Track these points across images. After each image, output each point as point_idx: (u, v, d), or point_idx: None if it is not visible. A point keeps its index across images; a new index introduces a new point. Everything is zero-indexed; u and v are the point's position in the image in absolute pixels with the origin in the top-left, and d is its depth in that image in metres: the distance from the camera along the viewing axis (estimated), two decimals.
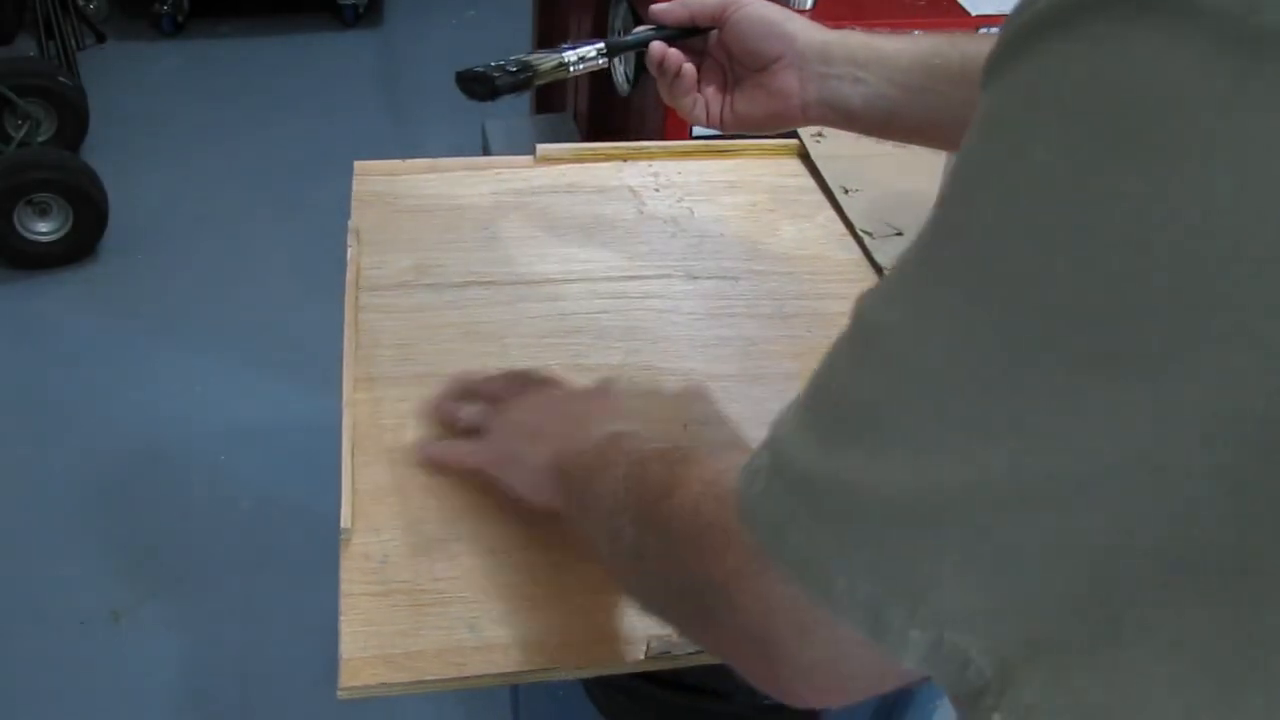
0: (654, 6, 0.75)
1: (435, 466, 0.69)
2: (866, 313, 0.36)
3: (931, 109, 0.69)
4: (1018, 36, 0.31)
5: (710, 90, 0.75)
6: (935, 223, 0.34)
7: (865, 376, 0.35)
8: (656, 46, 0.74)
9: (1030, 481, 0.30)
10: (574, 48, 0.73)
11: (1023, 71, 0.30)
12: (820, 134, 1.05)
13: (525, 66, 0.70)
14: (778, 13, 0.73)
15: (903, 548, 0.33)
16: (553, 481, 0.59)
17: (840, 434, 0.35)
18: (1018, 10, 0.31)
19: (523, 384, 0.70)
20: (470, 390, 0.71)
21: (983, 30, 1.39)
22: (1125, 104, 0.27)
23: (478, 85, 0.68)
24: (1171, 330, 0.27)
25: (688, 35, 0.74)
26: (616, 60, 1.62)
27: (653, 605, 0.50)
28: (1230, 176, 0.26)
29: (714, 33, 0.74)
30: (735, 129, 0.76)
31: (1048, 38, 0.29)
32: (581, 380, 0.75)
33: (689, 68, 0.74)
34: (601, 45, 0.73)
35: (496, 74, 0.69)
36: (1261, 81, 0.25)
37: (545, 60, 0.71)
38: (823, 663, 0.36)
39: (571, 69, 0.72)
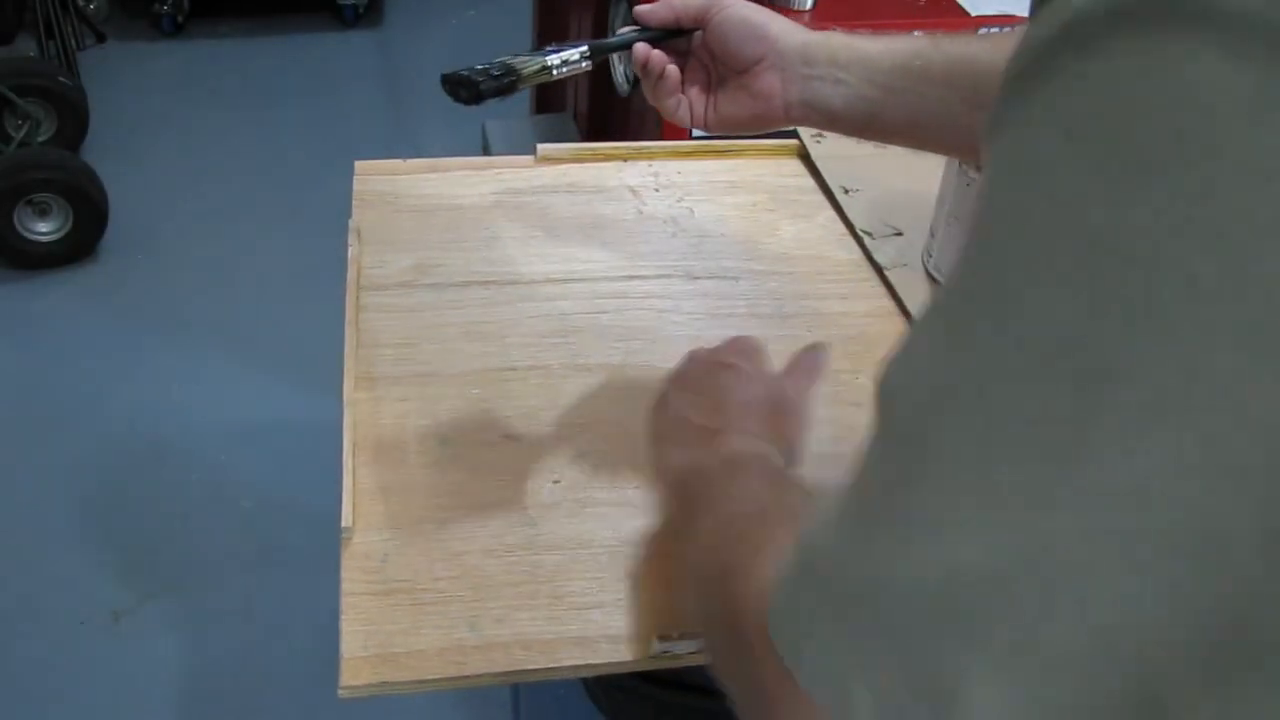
0: (639, 8, 0.76)
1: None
2: (887, 391, 0.33)
3: (913, 110, 0.70)
4: (1034, 59, 0.29)
5: (694, 91, 0.75)
6: (957, 282, 0.31)
7: (886, 459, 0.33)
8: (640, 48, 0.74)
9: (1070, 558, 0.28)
10: (558, 50, 0.73)
11: (1035, 101, 0.28)
12: (820, 134, 1.05)
13: (509, 70, 0.70)
14: (760, 14, 0.73)
15: (929, 645, 0.30)
16: (667, 486, 0.61)
17: (864, 524, 0.33)
18: (1030, 30, 0.29)
19: (718, 350, 0.68)
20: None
21: (982, 30, 1.39)
22: (1152, 122, 0.25)
23: (462, 89, 0.69)
24: (1222, 372, 0.25)
25: (672, 36, 0.75)
26: (616, 59, 1.62)
27: (716, 669, 0.48)
28: (1272, 193, 0.24)
29: (698, 34, 0.75)
30: (719, 130, 0.76)
31: (1065, 59, 0.28)
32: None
33: (673, 69, 0.74)
34: (585, 48, 0.74)
35: (480, 78, 0.69)
36: None
37: (529, 63, 0.71)
38: None
39: (555, 72, 0.72)
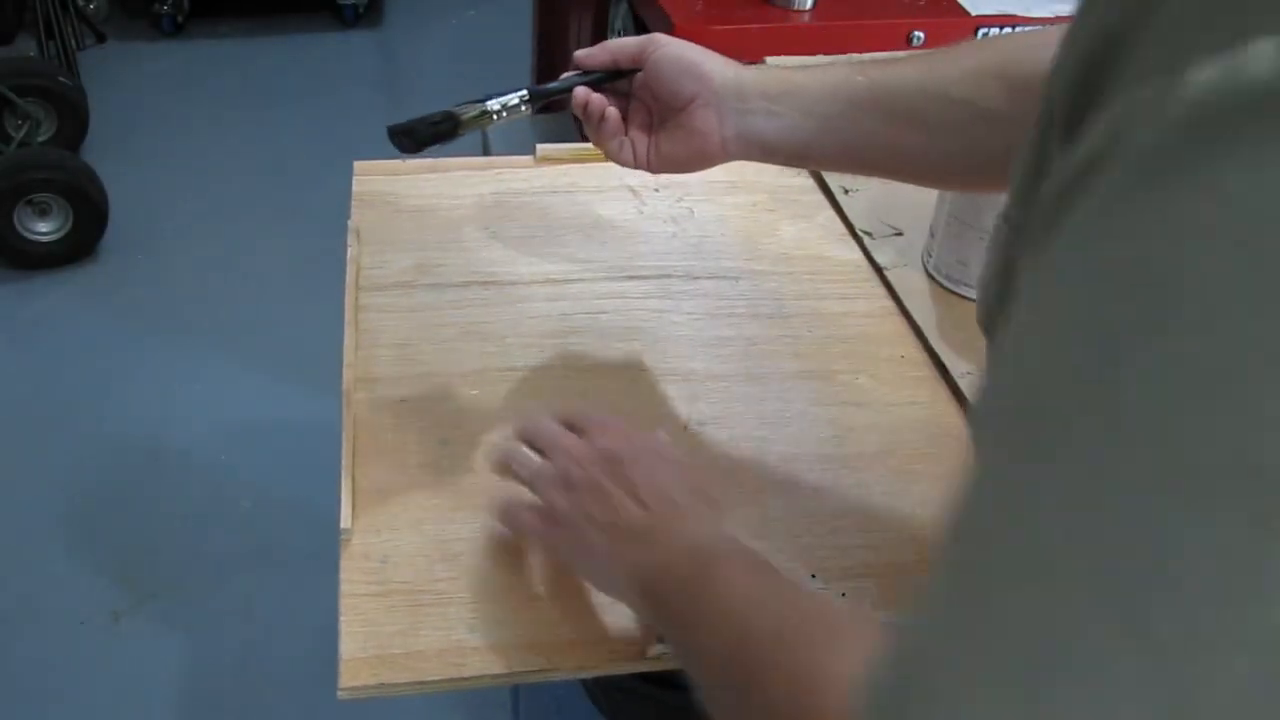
0: (578, 53, 0.76)
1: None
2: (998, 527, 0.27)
3: (844, 136, 0.70)
4: (1137, 172, 0.24)
5: (636, 132, 0.76)
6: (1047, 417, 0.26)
7: (1014, 612, 0.25)
8: (580, 92, 0.75)
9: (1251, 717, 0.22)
10: (498, 96, 0.74)
11: (1146, 210, 0.23)
12: None
13: (448, 117, 0.72)
14: (694, 52, 0.74)
15: None
16: (635, 594, 0.56)
17: (1003, 680, 0.25)
18: (1076, 150, 0.25)
19: (596, 429, 0.63)
20: (537, 439, 0.64)
21: (981, 31, 1.39)
22: None
23: (405, 137, 0.71)
24: None
25: (613, 79, 0.76)
26: None
27: None
28: None
29: (639, 75, 0.75)
30: (661, 169, 0.76)
31: (1179, 167, 0.23)
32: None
33: (613, 111, 0.75)
34: (524, 93, 0.75)
35: (419, 126, 0.71)
36: None
37: (468, 110, 0.73)
38: None
39: (495, 117, 0.74)
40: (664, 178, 1.01)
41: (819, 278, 0.90)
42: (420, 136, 0.71)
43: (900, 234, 0.94)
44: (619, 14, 1.61)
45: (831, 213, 0.98)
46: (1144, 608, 0.23)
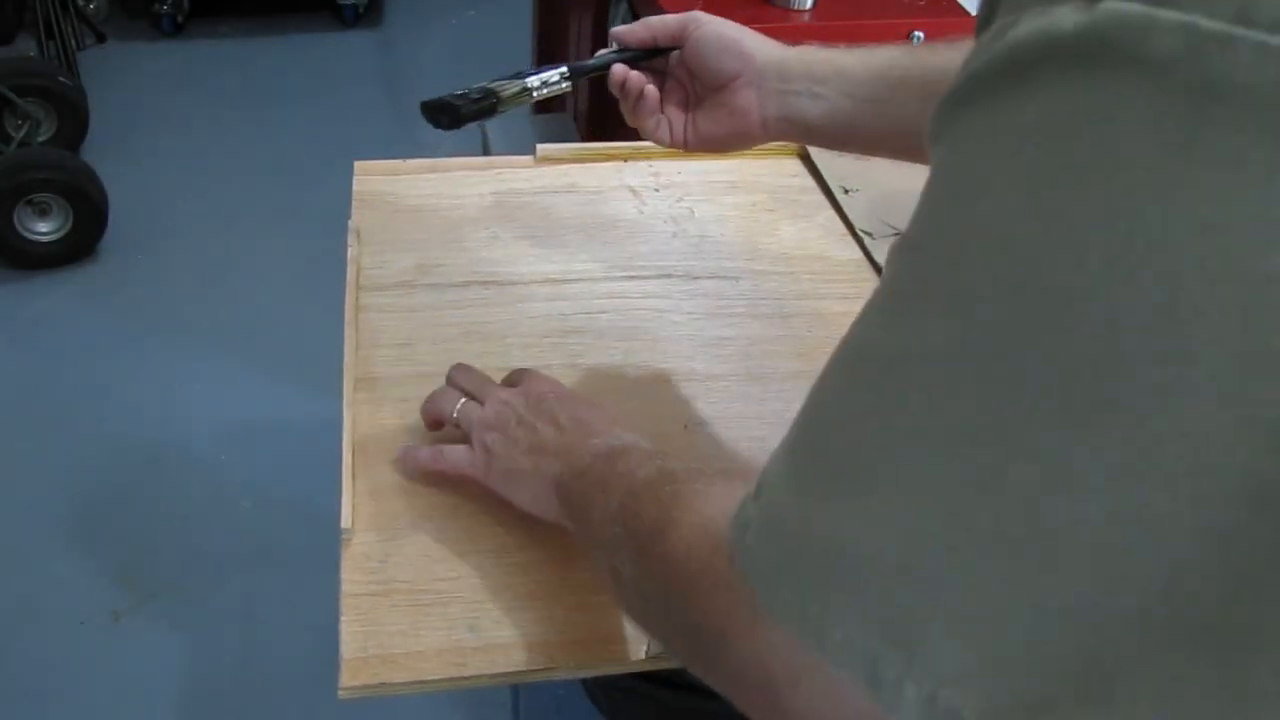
0: (616, 29, 0.76)
1: (425, 473, 0.68)
2: (850, 353, 0.36)
3: (890, 121, 0.70)
4: (969, 86, 0.30)
5: (673, 110, 0.76)
6: (902, 273, 0.34)
7: (849, 425, 0.35)
8: (618, 69, 0.75)
9: (1015, 538, 0.30)
10: (537, 73, 0.74)
11: (977, 123, 0.30)
12: None
13: (488, 94, 0.71)
14: (736, 31, 0.73)
15: (894, 601, 0.32)
16: (555, 501, 0.59)
17: (825, 484, 0.35)
18: (967, 61, 0.31)
19: (520, 380, 0.68)
20: (461, 387, 0.69)
21: None
22: (1084, 158, 0.27)
23: (442, 114, 0.70)
24: (1151, 383, 0.27)
25: (650, 56, 0.75)
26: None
27: (659, 639, 0.50)
28: (1190, 229, 0.26)
29: (676, 53, 0.75)
30: (698, 148, 0.76)
31: (999, 89, 0.29)
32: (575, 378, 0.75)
33: (650, 89, 0.75)
34: (564, 69, 0.74)
35: (459, 102, 0.70)
36: (1213, 131, 0.25)
37: (508, 87, 0.72)
38: (818, 709, 0.35)
39: (535, 94, 0.73)
40: (664, 178, 1.01)
41: (819, 278, 0.90)
42: (462, 113, 0.70)
43: (900, 234, 0.94)
44: (619, 14, 1.61)
45: (831, 213, 0.98)
46: (925, 448, 0.31)
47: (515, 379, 0.69)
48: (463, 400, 0.67)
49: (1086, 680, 0.31)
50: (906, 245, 0.34)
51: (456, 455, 0.66)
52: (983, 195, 0.30)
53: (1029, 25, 0.28)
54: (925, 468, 0.31)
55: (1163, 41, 0.25)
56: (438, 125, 0.71)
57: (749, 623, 0.37)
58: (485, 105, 0.70)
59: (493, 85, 0.71)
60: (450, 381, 0.70)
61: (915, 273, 0.34)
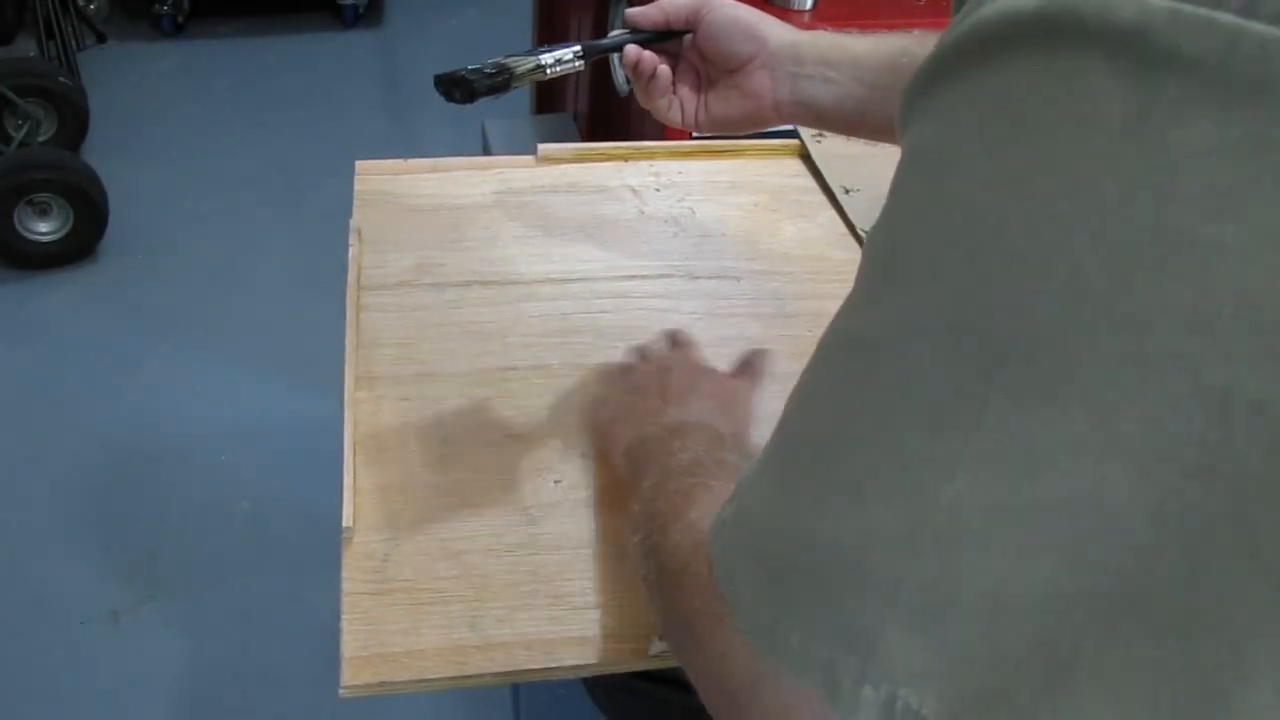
0: (630, 11, 0.76)
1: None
2: (820, 345, 0.36)
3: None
4: (934, 66, 0.31)
5: (685, 92, 0.76)
6: (873, 257, 0.34)
7: (811, 418, 0.35)
8: (631, 50, 0.75)
9: (969, 523, 0.30)
10: (551, 50, 0.74)
11: (941, 102, 0.31)
12: (820, 134, 1.05)
13: (502, 69, 0.71)
14: (751, 14, 0.74)
15: (849, 600, 0.32)
16: (622, 459, 0.62)
17: (790, 480, 0.35)
18: (944, 34, 0.32)
19: (672, 351, 0.73)
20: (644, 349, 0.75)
21: None
22: (1042, 131, 0.28)
23: (456, 88, 0.70)
24: (1108, 353, 0.27)
25: (664, 39, 0.75)
26: (615, 60, 1.62)
27: (658, 624, 0.51)
28: (1144, 199, 0.26)
29: (689, 35, 0.75)
30: (710, 130, 0.77)
31: (965, 68, 0.30)
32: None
33: (664, 69, 0.75)
34: (578, 48, 0.74)
35: (474, 77, 0.70)
36: (1164, 102, 0.26)
37: (522, 63, 0.72)
38: (776, 713, 0.35)
39: (549, 71, 0.73)
40: (665, 178, 1.01)
41: (820, 278, 0.90)
42: (475, 88, 0.70)
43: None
44: (619, 14, 1.61)
45: (833, 213, 0.99)
46: (900, 430, 0.31)
47: (676, 340, 0.75)
48: (640, 353, 0.73)
49: (1045, 669, 0.30)
50: (876, 228, 0.34)
51: (588, 409, 0.71)
52: (946, 172, 0.31)
53: (992, 6, 0.29)
54: (881, 455, 0.31)
55: (1117, 15, 0.26)
56: (450, 99, 0.71)
57: (715, 625, 0.37)
58: (499, 81, 0.70)
59: (507, 61, 0.71)
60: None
61: (882, 253, 0.34)
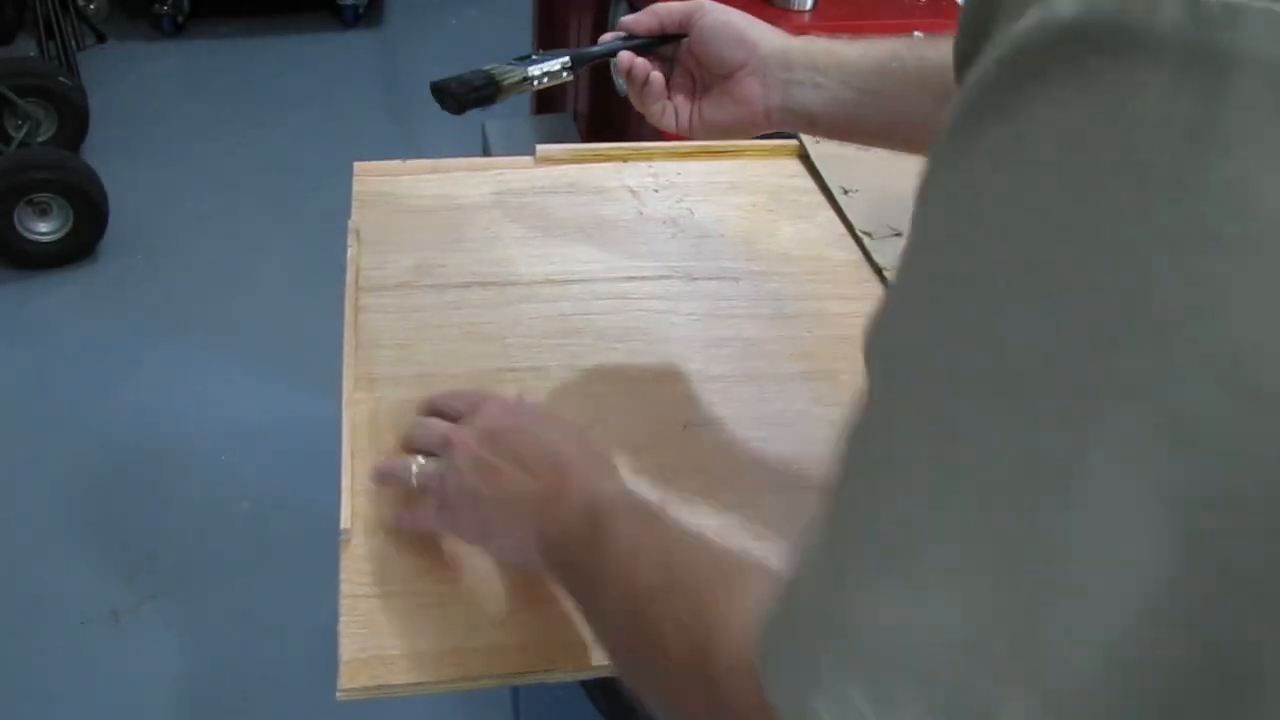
0: (624, 18, 0.77)
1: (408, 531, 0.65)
2: (862, 432, 0.33)
3: (890, 112, 0.70)
4: (984, 91, 0.29)
5: (679, 97, 0.77)
6: (910, 299, 0.31)
7: (865, 493, 0.32)
8: (624, 56, 0.75)
9: (1068, 600, 0.27)
10: (538, 62, 0.74)
11: (985, 138, 0.29)
12: None
13: (490, 81, 0.72)
14: (742, 20, 0.74)
15: (966, 695, 0.29)
16: (540, 559, 0.56)
17: (853, 570, 0.32)
18: (980, 63, 0.29)
19: (475, 409, 0.63)
20: (417, 442, 0.65)
21: None
22: (1095, 163, 0.26)
23: (447, 99, 0.71)
24: (1194, 400, 0.25)
25: (656, 45, 0.76)
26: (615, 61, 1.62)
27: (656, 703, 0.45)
28: (1217, 211, 0.24)
29: (684, 41, 0.75)
30: (703, 135, 0.77)
31: (1009, 93, 0.28)
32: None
33: (657, 75, 0.75)
34: (567, 59, 0.75)
35: (460, 90, 0.71)
36: (1224, 112, 0.24)
37: (510, 74, 0.73)
38: None
39: (536, 83, 0.74)
40: (664, 178, 1.01)
41: (819, 278, 0.90)
42: (462, 100, 0.70)
43: (900, 234, 0.94)
44: (619, 13, 1.61)
45: (831, 213, 0.98)
46: (969, 510, 0.28)
47: (455, 409, 0.65)
48: (417, 463, 0.63)
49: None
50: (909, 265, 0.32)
51: (424, 515, 0.63)
52: (998, 211, 0.28)
53: (1026, 22, 0.27)
54: (963, 523, 0.29)
55: (1166, 17, 0.24)
56: (444, 107, 0.72)
57: None
58: (486, 94, 0.71)
59: (496, 73, 0.72)
60: (404, 445, 0.66)
61: (926, 296, 0.31)
